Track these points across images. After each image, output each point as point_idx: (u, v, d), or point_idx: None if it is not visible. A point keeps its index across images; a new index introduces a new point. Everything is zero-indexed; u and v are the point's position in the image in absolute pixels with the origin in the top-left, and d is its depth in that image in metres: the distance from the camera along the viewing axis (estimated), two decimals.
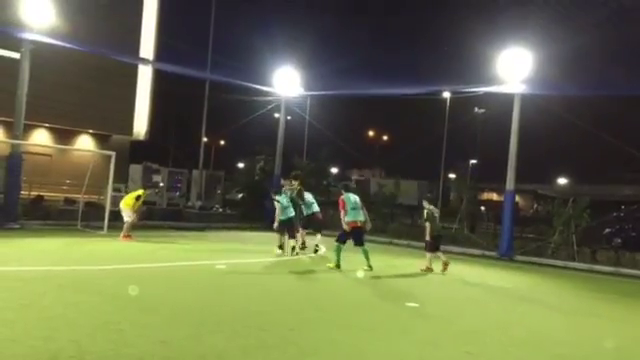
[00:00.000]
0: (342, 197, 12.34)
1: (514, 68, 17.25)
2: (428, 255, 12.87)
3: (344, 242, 12.21)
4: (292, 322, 7.14)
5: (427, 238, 12.86)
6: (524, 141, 18.31)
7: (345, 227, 12.16)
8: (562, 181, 56.59)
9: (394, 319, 7.95)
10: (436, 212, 13.03)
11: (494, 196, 53.94)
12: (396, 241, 19.91)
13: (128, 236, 14.94)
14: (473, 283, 12.18)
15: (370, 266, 12.01)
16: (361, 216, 12.31)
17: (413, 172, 43.31)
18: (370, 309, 8.56)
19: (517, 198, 22.08)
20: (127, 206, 15.20)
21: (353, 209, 12.15)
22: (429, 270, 12.69)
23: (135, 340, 5.76)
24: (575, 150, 46.63)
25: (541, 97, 18.01)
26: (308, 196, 14.67)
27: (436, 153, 43.06)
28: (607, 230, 23.75)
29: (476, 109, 40.13)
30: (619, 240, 22.63)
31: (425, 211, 12.91)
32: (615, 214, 24.70)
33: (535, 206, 46.92)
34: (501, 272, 14.39)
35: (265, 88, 23.37)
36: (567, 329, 8.19)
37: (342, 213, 12.22)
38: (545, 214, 23.59)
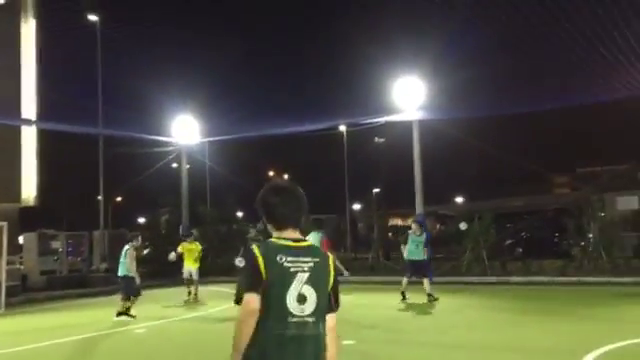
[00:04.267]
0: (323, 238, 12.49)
1: (410, 96, 17.85)
2: None
3: None
4: None
5: None
6: (422, 165, 19.01)
7: None
8: (459, 200, 59.17)
9: None
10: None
11: (399, 221, 55.24)
12: None
13: None
14: (400, 313, 12.19)
15: None
16: None
17: (320, 208, 43.33)
18: None
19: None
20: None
21: None
22: None
23: None
24: (468, 169, 48.87)
25: (436, 122, 18.79)
26: None
27: (340, 186, 43.52)
28: (508, 242, 24.81)
29: (376, 139, 41.13)
30: (520, 250, 23.63)
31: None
32: (509, 225, 25.83)
33: (438, 226, 48.48)
34: (423, 295, 14.49)
35: (162, 138, 22.67)
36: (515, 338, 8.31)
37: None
38: (447, 234, 24.42)
